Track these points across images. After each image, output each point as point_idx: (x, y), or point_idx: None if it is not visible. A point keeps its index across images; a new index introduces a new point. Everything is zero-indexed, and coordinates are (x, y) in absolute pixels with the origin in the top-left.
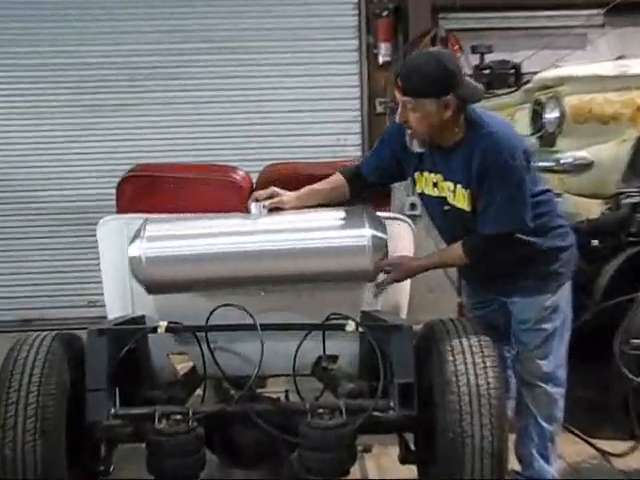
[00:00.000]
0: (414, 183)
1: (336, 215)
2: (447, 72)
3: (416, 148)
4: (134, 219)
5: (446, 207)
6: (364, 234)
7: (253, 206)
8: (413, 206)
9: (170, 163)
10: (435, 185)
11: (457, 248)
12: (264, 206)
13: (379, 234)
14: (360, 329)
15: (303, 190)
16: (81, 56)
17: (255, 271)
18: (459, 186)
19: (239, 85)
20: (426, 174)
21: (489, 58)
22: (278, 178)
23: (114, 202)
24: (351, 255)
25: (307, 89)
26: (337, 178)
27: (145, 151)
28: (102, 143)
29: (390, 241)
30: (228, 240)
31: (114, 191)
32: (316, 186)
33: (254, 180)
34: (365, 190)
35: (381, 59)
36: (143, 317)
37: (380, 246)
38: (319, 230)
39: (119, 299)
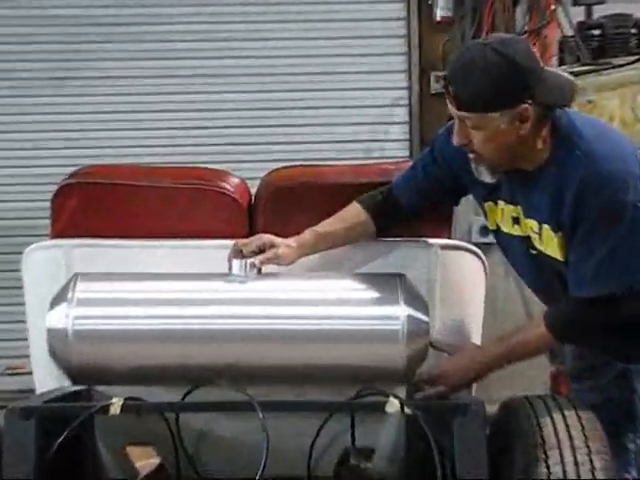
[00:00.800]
0: (485, 216)
1: (357, 283)
2: (519, 70)
3: (485, 178)
4: (77, 246)
5: (532, 251)
6: (397, 314)
7: (236, 264)
8: (484, 231)
9: (132, 165)
10: (516, 221)
11: (537, 326)
12: (253, 264)
13: (419, 315)
14: (406, 409)
15: (307, 235)
16: None
17: (238, 359)
18: (546, 227)
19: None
20: (502, 205)
21: (599, 12)
22: (286, 188)
23: (47, 221)
24: (377, 344)
25: (332, 58)
26: (356, 211)
27: (98, 149)
28: (36, 135)
29: (450, 285)
30: (201, 312)
31: (48, 205)
32: (326, 227)
33: (253, 191)
34: (398, 223)
35: (438, 14)
36: (89, 390)
37: (419, 332)
38: (331, 305)
39: (52, 363)
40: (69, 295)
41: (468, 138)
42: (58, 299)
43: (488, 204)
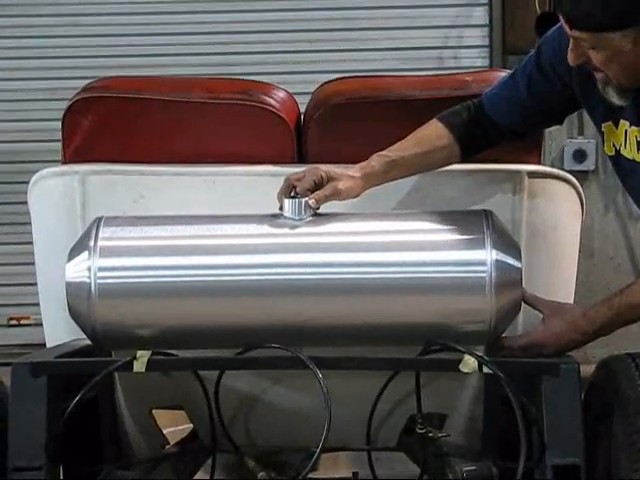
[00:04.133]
0: (602, 137)
1: (432, 222)
2: None
3: (613, 99)
4: (95, 173)
5: None
6: (483, 259)
7: (288, 204)
8: (580, 155)
9: (159, 76)
10: None
11: None
12: (308, 205)
13: (510, 260)
14: (485, 369)
15: (374, 162)
16: None
17: (292, 317)
18: None
19: None
20: (625, 126)
21: None
22: (343, 104)
23: (58, 144)
24: (457, 296)
25: None
26: (437, 131)
27: (118, 58)
28: (43, 41)
29: (539, 221)
30: (248, 261)
31: (58, 125)
32: (399, 151)
33: (303, 108)
34: (486, 148)
35: None
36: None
37: (510, 282)
38: (400, 249)
39: (66, 311)
40: (91, 243)
41: (585, 56)
42: (78, 248)
43: (607, 125)
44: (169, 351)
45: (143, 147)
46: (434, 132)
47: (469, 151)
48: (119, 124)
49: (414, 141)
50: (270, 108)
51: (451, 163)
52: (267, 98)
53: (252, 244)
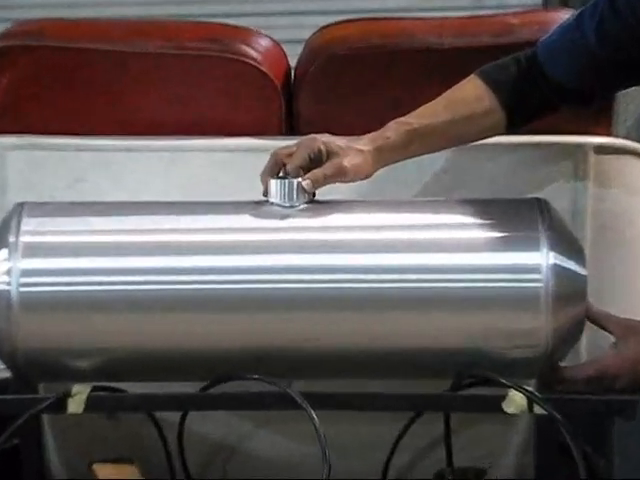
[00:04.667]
0: None
1: (469, 214)
2: None
3: None
4: (16, 147)
5: None
6: (537, 263)
7: (275, 186)
8: None
9: (104, 20)
10: None
11: None
12: (301, 187)
13: (571, 265)
14: (537, 408)
15: (391, 131)
16: None
17: (279, 340)
18: None
19: None
20: None
21: None
22: (347, 55)
23: None
24: (502, 312)
25: None
26: (475, 91)
27: None
28: None
29: (607, 210)
30: (223, 263)
31: None
32: (424, 118)
33: (293, 62)
34: (541, 114)
35: None
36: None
37: (572, 293)
38: (424, 250)
39: None
40: (11, 238)
41: None
42: None
43: None
44: (116, 385)
45: (81, 114)
46: (472, 93)
47: (518, 119)
48: (49, 83)
49: (444, 105)
50: (249, 61)
51: (493, 134)
52: (245, 48)
53: (226, 241)
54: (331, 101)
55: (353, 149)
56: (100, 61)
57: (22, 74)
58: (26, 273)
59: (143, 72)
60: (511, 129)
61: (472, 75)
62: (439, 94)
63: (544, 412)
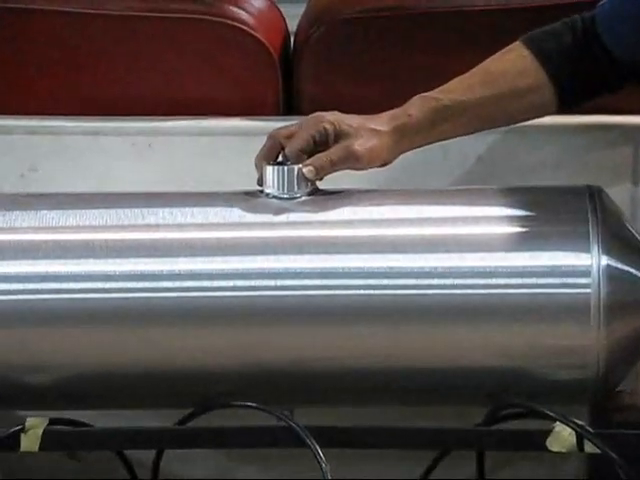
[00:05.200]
0: None
1: (503, 205)
2: None
3: None
4: None
5: None
6: (587, 265)
7: (271, 173)
8: None
9: None
10: None
11: None
12: (302, 175)
13: (630, 268)
14: (588, 446)
15: (415, 108)
16: None
17: (281, 361)
18: None
19: None
20: None
21: None
22: (356, 19)
23: None
24: (543, 324)
25: None
26: (520, 63)
27: None
28: None
29: None
30: (207, 268)
31: None
32: (457, 93)
33: (293, 25)
34: (599, 92)
35: None
36: None
37: (630, 305)
38: (451, 250)
39: None
40: None
41: None
42: None
43: None
44: (79, 417)
45: (36, 90)
46: (515, 64)
47: (571, 97)
48: (3, 54)
49: (481, 77)
50: (241, 25)
51: (540, 115)
52: (235, 9)
53: (211, 240)
54: (339, 74)
55: (368, 129)
56: (56, 25)
57: None
58: None
59: (110, 38)
60: (562, 109)
61: (516, 43)
62: (473, 66)
63: (597, 450)
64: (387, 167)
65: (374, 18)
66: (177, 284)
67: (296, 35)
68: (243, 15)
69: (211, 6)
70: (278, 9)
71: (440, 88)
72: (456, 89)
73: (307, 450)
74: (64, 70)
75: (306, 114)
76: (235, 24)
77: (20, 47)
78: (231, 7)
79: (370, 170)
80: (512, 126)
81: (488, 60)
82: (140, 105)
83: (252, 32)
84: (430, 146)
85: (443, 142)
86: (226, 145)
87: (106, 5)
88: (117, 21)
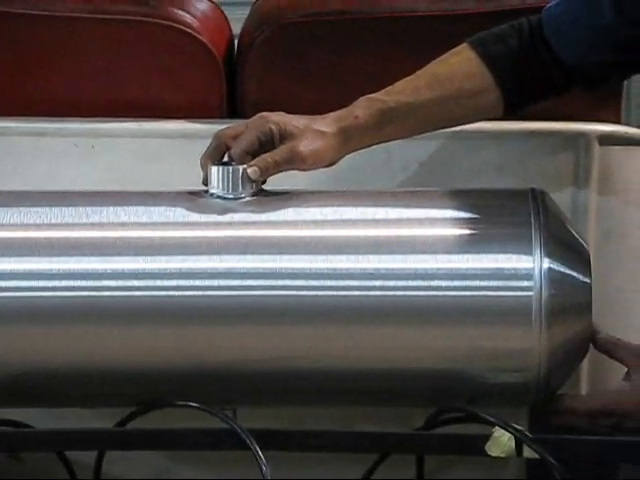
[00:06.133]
0: None
1: (448, 208)
2: None
3: None
4: None
5: None
6: (529, 268)
7: (217, 174)
8: None
9: None
10: None
11: None
12: (247, 175)
13: (572, 272)
14: (527, 451)
15: (361, 109)
16: None
17: (219, 360)
18: None
19: None
20: None
21: None
22: (301, 22)
23: None
24: (485, 328)
25: None
26: (466, 66)
27: None
28: None
29: (613, 212)
30: (149, 267)
31: None
32: (403, 95)
33: (237, 29)
34: (543, 96)
35: None
36: None
37: (573, 307)
38: (391, 252)
39: None
40: None
41: None
42: None
43: None
44: (21, 419)
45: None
46: (461, 67)
47: (517, 101)
48: None
49: (427, 80)
50: (185, 28)
51: (485, 118)
52: (178, 11)
53: (153, 239)
54: (283, 78)
55: (313, 130)
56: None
57: None
58: None
59: (53, 40)
60: (508, 111)
61: (463, 45)
62: (415, 69)
63: (536, 456)
64: (331, 169)
65: (319, 22)
66: (120, 283)
67: (240, 38)
68: (187, 18)
69: (155, 9)
70: (222, 12)
71: (386, 89)
72: (402, 91)
73: (248, 452)
74: (7, 71)
75: (249, 117)
76: (179, 27)
77: None
78: (175, 10)
79: (314, 171)
80: (455, 131)
81: (435, 62)
82: (83, 106)
83: (196, 35)
84: (374, 149)
85: (386, 145)
86: (169, 147)
87: (50, 6)
88: (61, 22)
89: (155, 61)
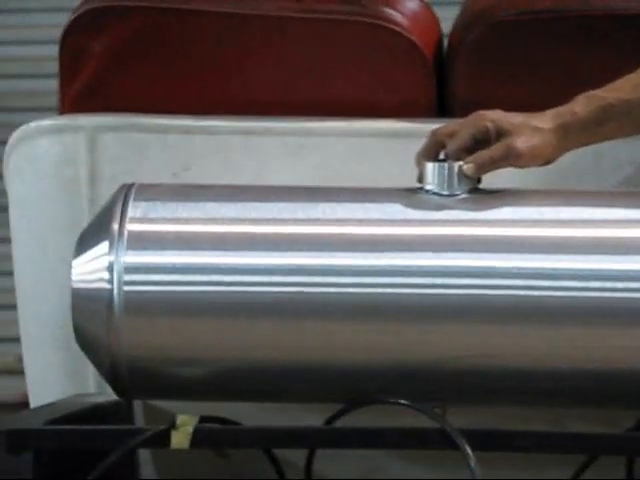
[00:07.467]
0: None
1: None
2: None
3: None
4: (111, 128)
5: None
6: None
7: (432, 170)
8: None
9: None
10: None
11: None
12: (462, 172)
13: None
14: None
15: (579, 105)
16: None
17: (437, 358)
18: None
19: None
20: None
21: None
22: (515, 21)
23: (52, 83)
24: None
25: None
26: None
27: None
28: None
29: None
30: (364, 264)
31: (53, 54)
32: (622, 92)
33: (447, 27)
34: None
35: None
36: (124, 402)
37: None
38: (623, 252)
39: (60, 342)
40: (114, 226)
41: None
42: (92, 235)
43: None
44: (227, 415)
45: (189, 89)
46: None
47: None
48: (152, 52)
49: None
50: (395, 27)
51: None
52: (389, 10)
53: (370, 236)
54: (493, 76)
55: (530, 127)
56: (211, 25)
57: (118, 42)
58: (131, 269)
59: (262, 39)
60: None
61: None
62: (628, 68)
63: None
64: (538, 169)
65: (529, 21)
66: (336, 279)
67: (450, 37)
68: (397, 17)
69: (365, 8)
70: (432, 11)
71: (606, 87)
72: (622, 88)
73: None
74: (218, 71)
75: (459, 116)
76: (389, 26)
77: (175, 48)
78: (385, 9)
79: (523, 173)
80: None
81: None
82: (290, 106)
83: (406, 34)
84: (582, 150)
85: (596, 146)
86: (379, 146)
87: (261, 6)
88: (271, 22)
89: (365, 60)
